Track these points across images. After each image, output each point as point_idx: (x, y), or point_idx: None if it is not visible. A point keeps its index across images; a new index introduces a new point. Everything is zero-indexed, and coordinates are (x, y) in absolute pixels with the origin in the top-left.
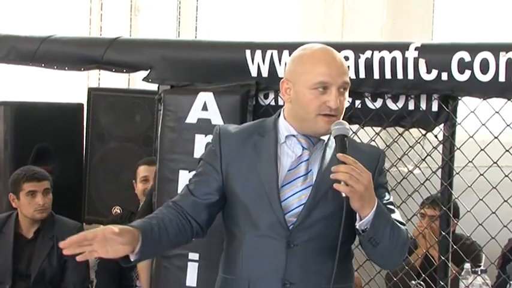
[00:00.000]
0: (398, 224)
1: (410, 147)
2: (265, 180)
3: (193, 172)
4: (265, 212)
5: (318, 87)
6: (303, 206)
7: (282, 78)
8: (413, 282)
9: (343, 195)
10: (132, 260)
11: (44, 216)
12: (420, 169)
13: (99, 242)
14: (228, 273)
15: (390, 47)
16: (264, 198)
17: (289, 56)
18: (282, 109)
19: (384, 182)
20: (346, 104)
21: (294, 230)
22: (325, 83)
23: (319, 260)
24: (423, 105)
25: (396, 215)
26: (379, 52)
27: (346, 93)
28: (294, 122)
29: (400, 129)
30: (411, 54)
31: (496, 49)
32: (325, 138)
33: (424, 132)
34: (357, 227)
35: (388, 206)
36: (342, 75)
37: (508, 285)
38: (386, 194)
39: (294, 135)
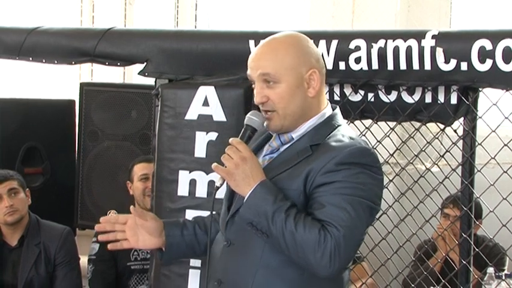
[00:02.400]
0: (307, 218)
1: (427, 143)
2: None
3: (194, 172)
4: (223, 208)
5: (251, 80)
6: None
7: None
8: None
9: (217, 184)
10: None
11: (16, 218)
12: (439, 167)
13: (131, 228)
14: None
15: (405, 35)
16: (226, 194)
17: None
18: None
19: (331, 180)
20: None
21: (229, 228)
22: (249, 76)
23: (249, 263)
24: (441, 98)
25: (330, 215)
26: (393, 41)
27: (280, 87)
28: None
29: (417, 124)
30: (428, 42)
31: None
32: (295, 135)
33: (442, 126)
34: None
35: (325, 203)
36: (257, 68)
37: None
38: (331, 193)
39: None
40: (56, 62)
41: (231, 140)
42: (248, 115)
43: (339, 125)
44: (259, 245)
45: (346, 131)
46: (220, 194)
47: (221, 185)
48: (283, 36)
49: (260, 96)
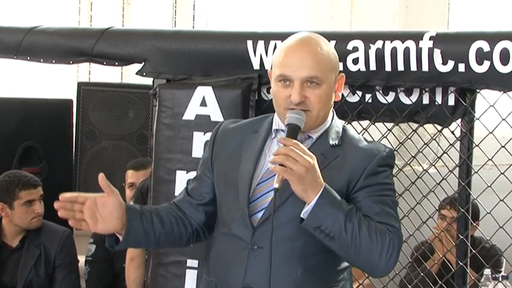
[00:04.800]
0: (370, 221)
1: (425, 144)
2: (241, 176)
3: (191, 172)
4: (235, 209)
5: (280, 80)
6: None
7: None
8: None
9: (275, 186)
10: (120, 240)
11: (39, 225)
12: (436, 168)
13: (89, 208)
14: (205, 273)
15: (403, 36)
16: (236, 195)
17: None
18: None
19: (375, 182)
20: (326, 99)
21: (258, 231)
22: (285, 76)
23: (285, 265)
24: (439, 99)
25: (386, 217)
26: (391, 42)
27: (321, 88)
28: (278, 115)
29: (414, 125)
30: (426, 44)
31: None
32: (314, 135)
33: (439, 128)
34: (301, 215)
35: (377, 206)
36: (304, 69)
37: None
38: (381, 193)
39: (282, 130)
40: (53, 61)
41: (283, 139)
42: (291, 114)
43: (343, 125)
44: (295, 248)
45: (354, 132)
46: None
47: (280, 187)
48: (317, 37)
49: (301, 95)
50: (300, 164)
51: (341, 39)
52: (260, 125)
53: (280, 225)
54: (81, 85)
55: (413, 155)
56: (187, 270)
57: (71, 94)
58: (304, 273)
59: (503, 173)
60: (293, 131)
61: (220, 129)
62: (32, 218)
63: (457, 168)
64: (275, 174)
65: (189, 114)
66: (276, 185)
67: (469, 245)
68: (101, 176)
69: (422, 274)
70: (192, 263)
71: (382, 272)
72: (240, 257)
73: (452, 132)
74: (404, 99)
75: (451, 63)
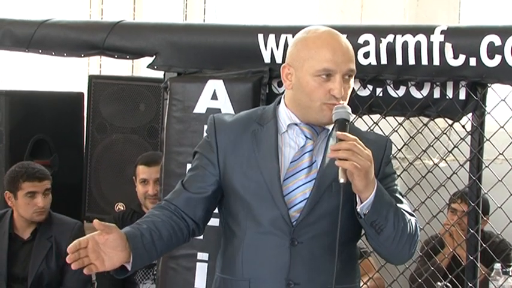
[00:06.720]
0: (405, 213)
1: (435, 138)
2: (266, 173)
3: None
4: (268, 207)
5: (321, 74)
6: (306, 200)
7: None
8: (439, 283)
9: (341, 180)
10: (129, 269)
11: (42, 219)
12: (447, 162)
13: (93, 251)
14: (227, 274)
15: (414, 30)
16: (266, 192)
17: None
18: (283, 96)
19: (391, 171)
20: (354, 92)
21: (298, 226)
22: (329, 70)
23: (325, 259)
24: (450, 93)
25: (405, 206)
26: (402, 36)
27: (352, 81)
28: (297, 109)
29: (425, 119)
30: (437, 38)
31: None
32: (330, 127)
33: (450, 122)
34: (358, 210)
35: (397, 195)
36: (347, 62)
37: None
38: (395, 183)
39: (296, 124)
40: (65, 54)
41: (343, 135)
42: (339, 110)
43: None
44: (333, 241)
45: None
46: None
47: (346, 181)
48: None
49: (342, 89)
50: (363, 158)
51: (352, 33)
52: (261, 118)
53: (318, 220)
54: (92, 78)
55: (423, 149)
56: (197, 263)
57: (82, 87)
58: (341, 265)
59: None
60: (343, 126)
61: (217, 123)
62: (34, 210)
63: (468, 162)
64: (300, 171)
65: (200, 108)
66: (342, 179)
67: (479, 239)
68: (96, 222)
69: (432, 268)
70: (203, 256)
71: (405, 260)
72: (278, 253)
73: (463, 127)
74: (415, 93)
75: (462, 57)
